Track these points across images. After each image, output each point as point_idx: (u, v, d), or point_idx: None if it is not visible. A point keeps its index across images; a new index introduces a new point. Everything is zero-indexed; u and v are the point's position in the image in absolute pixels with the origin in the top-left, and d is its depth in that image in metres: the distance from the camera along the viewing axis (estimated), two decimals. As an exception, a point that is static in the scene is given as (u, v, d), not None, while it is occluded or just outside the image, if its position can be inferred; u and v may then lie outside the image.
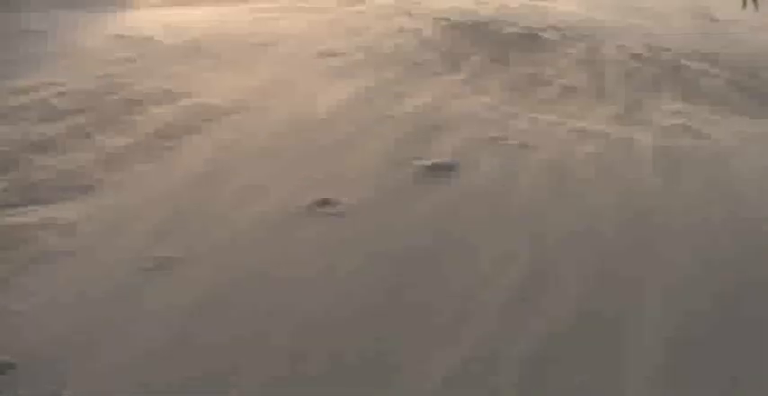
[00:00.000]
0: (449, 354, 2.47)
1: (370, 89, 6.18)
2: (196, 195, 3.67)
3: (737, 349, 2.64)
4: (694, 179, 4.67)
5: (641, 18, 17.10)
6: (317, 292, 2.86)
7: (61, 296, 2.69)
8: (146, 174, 3.89)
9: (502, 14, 13.75)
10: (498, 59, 8.44)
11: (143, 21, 8.42)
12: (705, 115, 6.65)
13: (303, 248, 3.19)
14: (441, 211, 3.76)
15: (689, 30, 15.29)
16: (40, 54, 6.26)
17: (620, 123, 5.97)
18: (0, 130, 4.39)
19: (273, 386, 2.30)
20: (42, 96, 5.04)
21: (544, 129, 5.54)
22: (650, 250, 3.47)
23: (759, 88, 8.61)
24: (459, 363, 2.42)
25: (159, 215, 3.42)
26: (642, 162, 4.95)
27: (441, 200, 3.92)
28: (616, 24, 14.53)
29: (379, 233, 3.40)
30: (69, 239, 3.16)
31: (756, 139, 5.97)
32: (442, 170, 4.38)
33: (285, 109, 5.23)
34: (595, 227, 3.70)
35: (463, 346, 2.53)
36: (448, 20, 11.69)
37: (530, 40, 10.44)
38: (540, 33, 11.35)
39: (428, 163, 4.47)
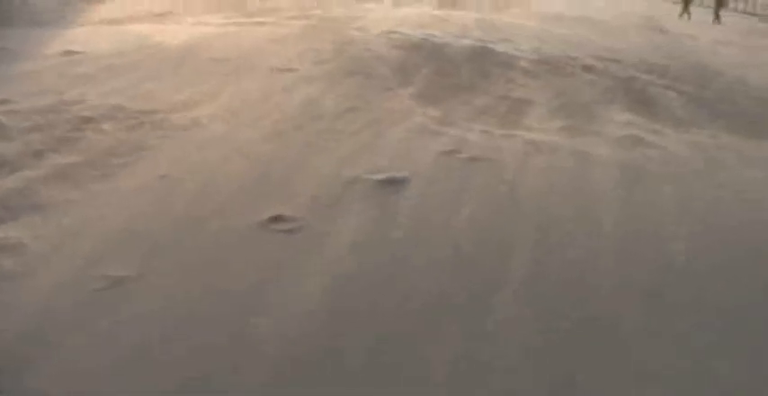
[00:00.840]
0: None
1: (322, 104, 6.17)
2: (149, 212, 3.61)
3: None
4: (646, 190, 4.73)
5: (593, 31, 17.40)
6: (273, 310, 2.84)
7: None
8: (98, 192, 3.84)
9: (454, 28, 13.91)
10: (449, 73, 8.50)
11: (96, 37, 8.34)
12: (656, 126, 6.78)
13: (257, 265, 3.15)
14: (390, 226, 3.71)
15: (641, 42, 15.60)
16: (-9, 72, 6.17)
17: (572, 135, 6.02)
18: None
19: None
20: (-6, 115, 4.95)
21: (496, 142, 5.55)
22: (604, 262, 3.46)
23: (708, 99, 8.77)
24: None
25: (112, 233, 3.36)
26: (595, 173, 4.99)
27: (391, 215, 3.88)
28: (568, 37, 14.77)
29: (331, 249, 3.38)
30: (20, 259, 3.09)
31: (706, 149, 6.08)
32: (394, 184, 4.35)
33: (238, 124, 5.18)
34: (548, 239, 3.71)
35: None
36: (399, 33, 11.80)
37: (481, 54, 10.56)
38: (491, 46, 11.49)
39: (380, 177, 4.43)
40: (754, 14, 47.99)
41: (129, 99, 5.52)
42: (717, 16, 32.08)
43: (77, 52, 7.25)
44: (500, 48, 11.38)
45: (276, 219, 3.62)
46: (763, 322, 2.99)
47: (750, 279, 3.43)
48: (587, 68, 10.26)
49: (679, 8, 31.47)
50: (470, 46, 11.25)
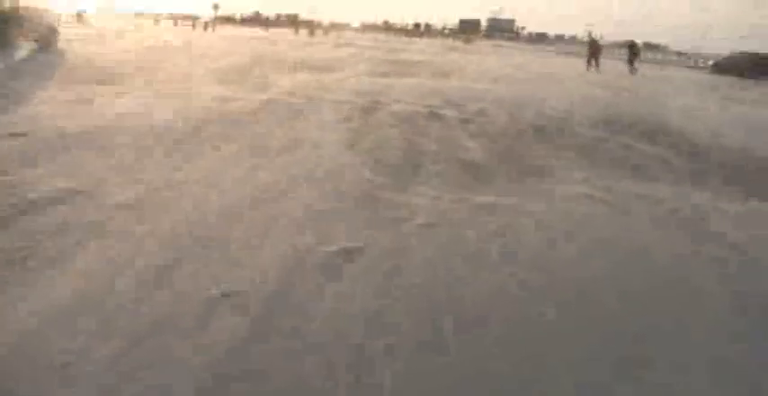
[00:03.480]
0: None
1: (273, 172, 6.19)
2: (96, 291, 3.49)
3: None
4: (598, 248, 4.76)
5: (539, 88, 17.99)
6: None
7: None
8: (45, 277, 3.69)
9: (399, 93, 14.20)
10: (397, 137, 8.65)
11: (43, 114, 8.26)
12: (606, 181, 6.91)
13: (206, 347, 3.04)
14: (344, 301, 3.57)
15: (586, 97, 16.14)
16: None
17: (521, 195, 6.06)
18: None
19: None
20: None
21: (446, 206, 5.53)
22: (556, 329, 3.43)
23: (656, 151, 9.08)
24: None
25: (56, 316, 3.23)
26: (547, 233, 4.99)
27: (345, 289, 3.74)
28: (513, 96, 15.19)
29: (285, 328, 3.27)
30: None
31: (658, 203, 6.22)
32: (348, 255, 4.22)
33: (185, 202, 5.11)
34: (502, 306, 3.63)
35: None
36: (348, 102, 11.99)
37: (427, 118, 10.78)
38: (437, 111, 11.72)
39: (333, 249, 4.31)
40: (694, 67, 50.93)
41: (75, 180, 5.41)
42: (632, 66, 34.45)
43: (21, 133, 7.13)
44: (446, 112, 11.63)
45: (227, 294, 3.52)
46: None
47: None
48: (534, 127, 10.52)
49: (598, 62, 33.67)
50: (415, 111, 11.47)
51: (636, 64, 35.63)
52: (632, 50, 36.62)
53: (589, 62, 34.95)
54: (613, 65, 39.40)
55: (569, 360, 3.16)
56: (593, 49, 35.85)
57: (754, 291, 4.21)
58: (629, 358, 3.22)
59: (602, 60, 35.83)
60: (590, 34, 39.01)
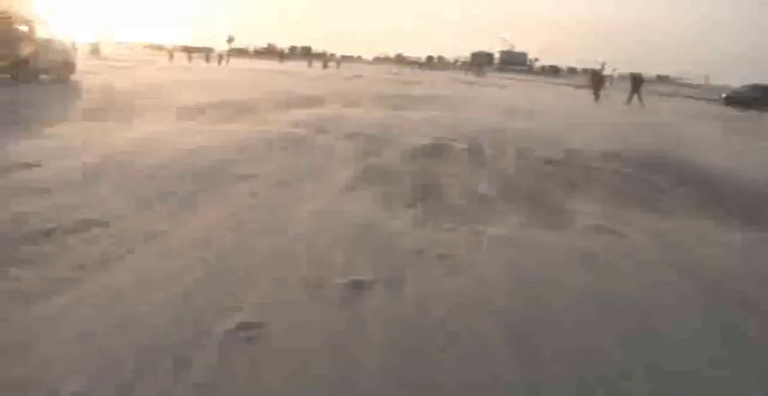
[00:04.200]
0: None
1: (284, 207, 6.17)
2: (109, 325, 3.49)
3: None
4: (611, 280, 4.72)
5: (547, 121, 18.03)
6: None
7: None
8: (60, 307, 3.71)
9: (411, 127, 14.28)
10: (410, 171, 8.71)
11: (52, 148, 8.34)
12: (618, 214, 6.89)
13: (226, 379, 3.04)
14: (358, 334, 3.54)
15: (593, 131, 16.14)
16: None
17: (536, 227, 6.05)
18: None
19: None
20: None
21: (461, 238, 5.50)
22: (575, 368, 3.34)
23: (664, 183, 9.09)
24: None
25: (68, 346, 3.22)
26: (562, 268, 4.94)
27: (360, 322, 3.71)
28: (525, 130, 15.23)
29: (301, 362, 3.15)
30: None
31: (669, 236, 6.18)
32: (362, 288, 4.20)
33: (196, 234, 5.12)
34: (519, 342, 3.56)
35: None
36: (360, 135, 12.05)
37: (438, 150, 10.82)
38: (449, 143, 11.77)
39: (346, 281, 4.27)
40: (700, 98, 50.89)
41: (90, 212, 5.44)
42: (631, 96, 34.26)
43: (35, 164, 7.20)
44: (457, 144, 11.67)
45: (244, 326, 3.52)
46: None
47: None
48: (546, 160, 10.52)
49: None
50: (429, 143, 11.52)
51: (643, 96, 35.47)
52: (635, 82, 36.49)
53: (596, 94, 34.99)
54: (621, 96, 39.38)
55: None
56: (596, 81, 35.98)
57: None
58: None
59: (618, 93, 35.78)
60: (602, 66, 39.00)
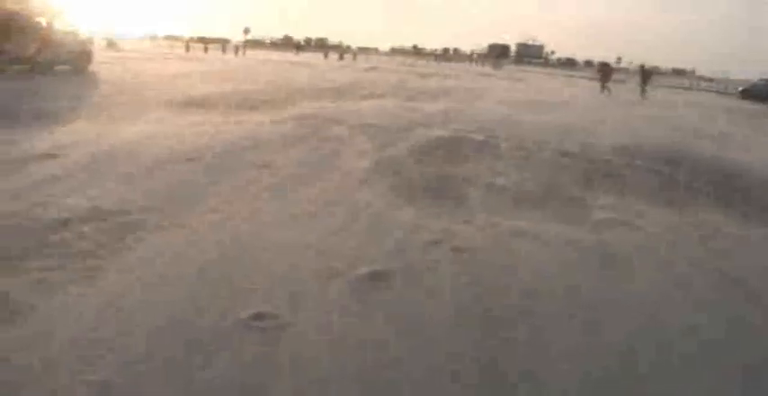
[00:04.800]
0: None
1: (298, 201, 6.17)
2: (125, 317, 3.49)
3: None
4: (630, 275, 4.70)
5: (563, 115, 17.90)
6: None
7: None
8: (75, 297, 3.71)
9: (427, 118, 14.21)
10: (427, 162, 8.64)
11: (70, 138, 8.37)
12: (635, 207, 6.85)
13: (239, 369, 3.02)
14: (379, 325, 3.56)
15: (610, 125, 16.02)
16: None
17: (553, 221, 6.02)
18: None
19: None
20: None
21: (478, 230, 5.49)
22: (598, 361, 3.35)
23: (678, 176, 9.06)
24: None
25: (87, 340, 3.22)
26: (579, 260, 4.94)
27: (380, 312, 3.73)
28: (539, 123, 15.14)
29: (317, 351, 3.21)
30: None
31: (684, 228, 6.17)
32: (380, 279, 4.20)
33: (213, 224, 5.13)
34: (543, 337, 3.57)
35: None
36: (375, 126, 12.01)
37: (457, 143, 10.80)
38: (467, 135, 11.72)
39: (364, 271, 4.28)
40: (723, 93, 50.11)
41: (103, 201, 5.44)
42: (643, 91, 34.25)
43: (51, 154, 7.24)
44: (475, 136, 11.62)
45: (259, 316, 3.51)
46: None
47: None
48: (563, 153, 10.47)
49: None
50: (446, 135, 11.48)
51: (647, 87, 35.40)
52: (644, 75, 36.38)
53: (603, 86, 34.89)
54: (633, 88, 39.07)
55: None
56: (604, 74, 35.86)
57: None
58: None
59: (632, 85, 35.63)
60: (618, 59, 38.72)
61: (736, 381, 3.29)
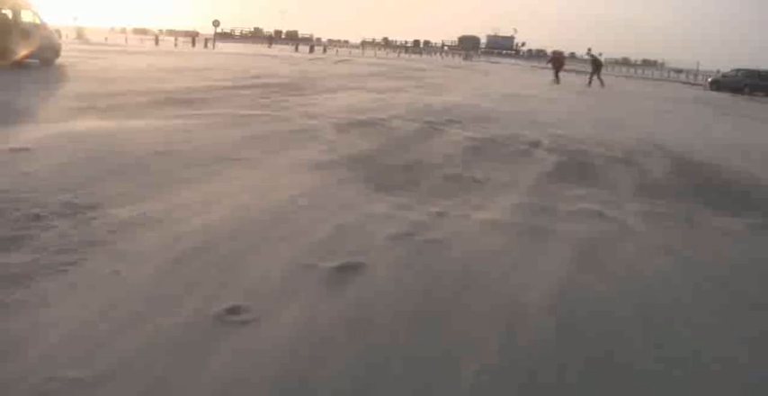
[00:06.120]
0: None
1: (271, 192, 6.11)
2: (101, 311, 3.49)
3: None
4: (604, 265, 4.74)
5: (533, 107, 18.02)
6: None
7: None
8: (49, 292, 3.70)
9: (397, 110, 14.22)
10: (398, 155, 8.69)
11: (48, 134, 8.26)
12: (608, 198, 6.91)
13: (214, 359, 3.04)
14: (350, 316, 3.56)
15: (582, 118, 16.14)
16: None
17: (526, 212, 6.06)
18: None
19: None
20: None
21: (450, 223, 5.51)
22: (576, 351, 3.38)
23: (651, 168, 9.15)
24: None
25: (64, 334, 3.22)
26: (553, 251, 4.97)
27: (350, 304, 3.73)
28: (510, 114, 15.23)
29: (291, 342, 3.21)
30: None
31: (658, 219, 6.24)
32: (350, 271, 4.21)
33: (189, 218, 5.14)
34: (516, 326, 3.59)
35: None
36: (346, 119, 12.02)
37: (427, 134, 10.84)
38: (439, 127, 11.78)
39: (335, 264, 4.29)
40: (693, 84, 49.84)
41: (79, 196, 5.40)
42: (591, 79, 34.57)
43: (30, 149, 7.16)
44: (447, 128, 11.67)
45: (232, 310, 3.51)
46: None
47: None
48: (534, 144, 10.60)
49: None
50: (418, 127, 11.52)
51: (597, 77, 35.65)
52: (594, 65, 36.64)
53: (556, 76, 35.28)
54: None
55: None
56: (557, 64, 36.25)
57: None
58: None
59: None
60: (589, 50, 38.89)
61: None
